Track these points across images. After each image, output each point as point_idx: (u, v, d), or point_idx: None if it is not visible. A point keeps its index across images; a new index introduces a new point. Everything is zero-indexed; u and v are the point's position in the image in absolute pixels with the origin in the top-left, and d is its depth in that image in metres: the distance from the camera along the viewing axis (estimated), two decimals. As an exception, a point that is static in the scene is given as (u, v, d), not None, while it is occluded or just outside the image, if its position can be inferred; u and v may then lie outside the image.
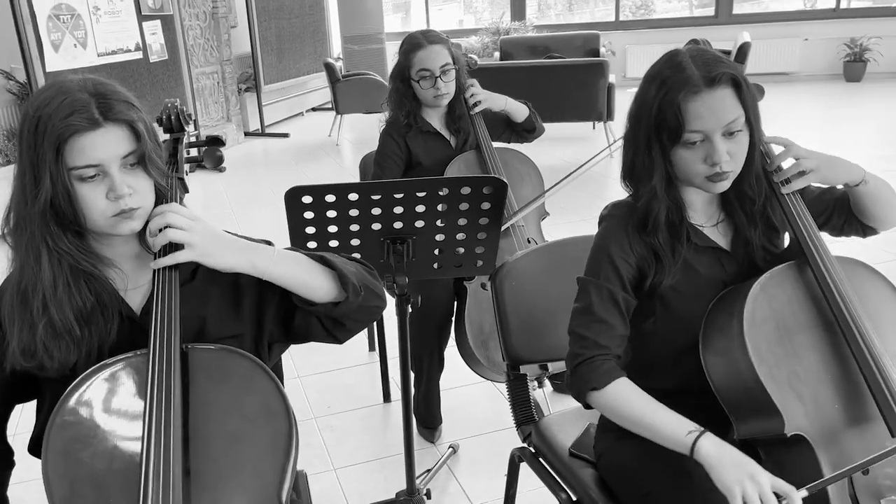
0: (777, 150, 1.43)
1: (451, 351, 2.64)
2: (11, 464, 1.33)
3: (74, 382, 1.15)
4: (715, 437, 1.24)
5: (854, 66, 9.57)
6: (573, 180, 2.53)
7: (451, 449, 2.58)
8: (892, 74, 9.61)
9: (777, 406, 1.25)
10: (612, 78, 6.60)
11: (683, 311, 1.40)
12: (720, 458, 1.21)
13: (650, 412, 1.30)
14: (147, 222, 1.20)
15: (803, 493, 1.17)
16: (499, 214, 1.89)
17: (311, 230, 1.82)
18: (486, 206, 1.85)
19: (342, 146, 7.77)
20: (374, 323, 3.34)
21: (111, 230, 1.18)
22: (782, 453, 1.29)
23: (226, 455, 1.13)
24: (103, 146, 1.12)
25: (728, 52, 7.83)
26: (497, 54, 8.80)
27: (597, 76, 6.43)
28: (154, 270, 1.20)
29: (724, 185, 1.34)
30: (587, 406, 1.40)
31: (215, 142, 1.39)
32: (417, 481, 2.24)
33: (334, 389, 3.04)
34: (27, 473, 1.25)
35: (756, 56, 9.35)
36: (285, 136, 8.26)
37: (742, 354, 1.28)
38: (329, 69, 7.77)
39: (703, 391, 1.37)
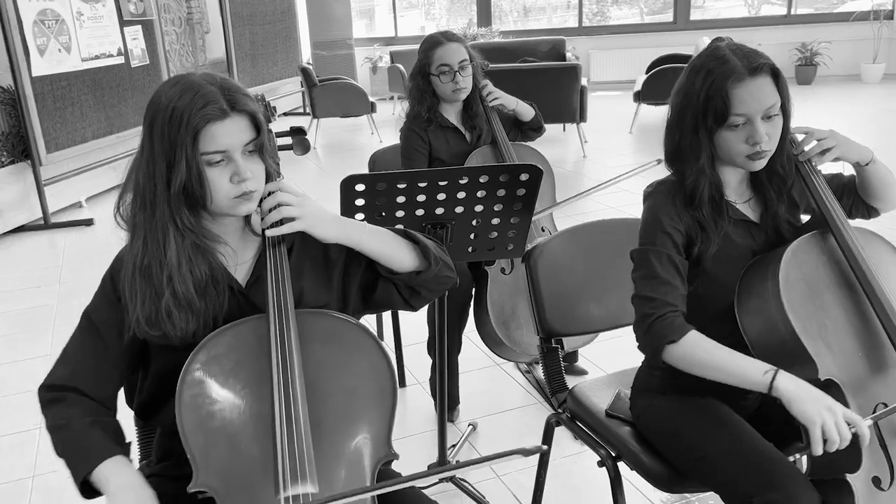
0: (799, 137, 1.62)
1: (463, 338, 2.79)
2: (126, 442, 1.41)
3: (200, 344, 1.27)
4: (789, 374, 1.39)
5: (805, 70, 9.99)
6: (609, 186, 2.74)
7: (471, 426, 2.72)
8: (841, 77, 10.06)
9: (811, 354, 1.43)
10: (583, 81, 6.83)
11: (721, 277, 1.58)
12: (798, 392, 1.36)
13: (727, 357, 1.46)
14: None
15: (869, 421, 1.35)
16: (532, 201, 2.05)
17: (360, 216, 1.96)
18: (521, 192, 2.01)
19: (318, 150, 7.87)
20: (383, 314, 3.48)
21: (231, 210, 1.30)
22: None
23: (342, 407, 1.26)
24: (230, 134, 1.25)
25: (688, 57, 8.15)
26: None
27: (571, 79, 6.65)
28: (265, 246, 1.33)
29: (762, 164, 1.52)
30: (662, 362, 1.53)
31: (300, 132, 1.52)
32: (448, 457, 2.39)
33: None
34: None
35: (715, 60, 9.68)
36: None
37: (778, 311, 1.46)
38: (305, 74, 7.86)
39: (737, 349, 1.54)
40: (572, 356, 2.98)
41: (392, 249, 1.39)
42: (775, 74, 1.49)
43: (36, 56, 5.21)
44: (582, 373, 2.97)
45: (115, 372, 1.36)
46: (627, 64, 10.28)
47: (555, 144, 7.45)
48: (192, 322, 1.30)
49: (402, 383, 3.09)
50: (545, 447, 1.04)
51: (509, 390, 3.03)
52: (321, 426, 1.23)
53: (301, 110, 9.76)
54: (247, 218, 1.38)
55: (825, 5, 10.51)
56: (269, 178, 1.35)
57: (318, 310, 1.35)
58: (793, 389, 1.37)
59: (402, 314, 3.15)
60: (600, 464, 1.79)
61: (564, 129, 7.99)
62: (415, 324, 3.31)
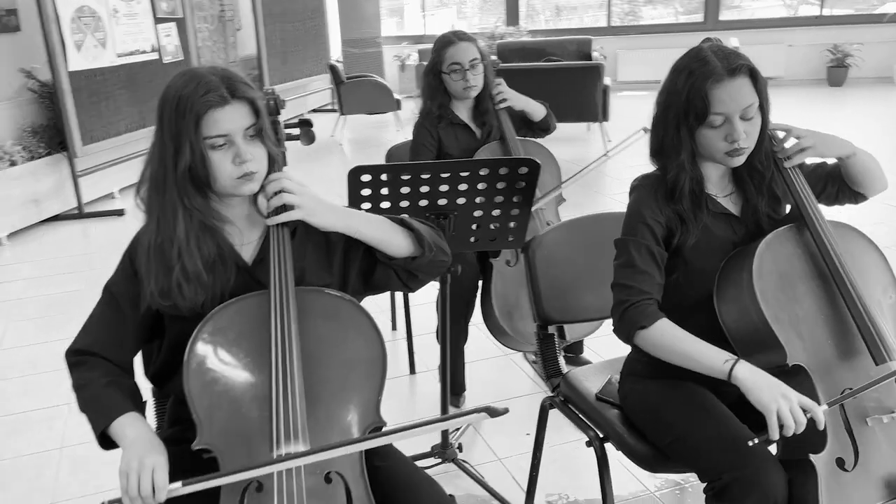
0: (780, 135, 1.69)
1: (472, 329, 2.89)
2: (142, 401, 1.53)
3: (207, 316, 1.39)
4: (748, 364, 1.49)
5: (837, 72, 9.93)
6: (588, 173, 2.81)
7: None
8: (873, 79, 9.97)
9: (781, 342, 1.51)
10: (606, 80, 6.89)
11: (701, 267, 1.66)
12: (755, 380, 1.46)
13: (692, 345, 1.55)
14: (261, 188, 1.45)
15: (824, 406, 1.42)
16: (531, 193, 2.14)
17: (366, 206, 2.07)
18: (520, 185, 2.10)
19: (344, 146, 8.01)
20: (396, 304, 3.59)
21: (234, 191, 1.42)
22: (785, 382, 1.55)
23: (336, 376, 1.38)
24: (231, 119, 1.36)
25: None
26: (493, 58, 9.06)
27: (593, 79, 6.71)
28: (269, 227, 1.44)
29: (741, 160, 1.60)
30: (634, 346, 1.63)
31: (306, 123, 1.64)
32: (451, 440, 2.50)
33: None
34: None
35: (743, 61, 9.67)
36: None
37: (752, 300, 1.54)
38: (333, 71, 8.01)
39: (714, 335, 1.62)
40: (577, 347, 3.06)
41: (388, 236, 1.50)
42: (753, 76, 1.57)
43: (73, 52, 5.41)
44: (586, 363, 3.05)
45: (132, 339, 1.49)
46: (655, 64, 10.28)
47: (577, 143, 7.52)
48: (200, 294, 1.41)
49: (412, 370, 3.20)
50: (507, 409, 1.14)
51: (516, 379, 3.12)
52: (315, 393, 1.34)
53: (330, 107, 9.93)
54: (254, 201, 1.50)
55: (865, 6, 10.40)
56: (274, 164, 1.46)
57: (316, 287, 1.46)
58: (750, 378, 1.46)
59: (412, 304, 3.26)
60: (588, 444, 1.89)
61: (588, 129, 8.04)
62: (426, 313, 3.42)
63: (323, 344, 1.39)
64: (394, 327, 3.58)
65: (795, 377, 1.52)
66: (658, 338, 1.59)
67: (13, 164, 5.27)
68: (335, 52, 10.08)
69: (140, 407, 1.43)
